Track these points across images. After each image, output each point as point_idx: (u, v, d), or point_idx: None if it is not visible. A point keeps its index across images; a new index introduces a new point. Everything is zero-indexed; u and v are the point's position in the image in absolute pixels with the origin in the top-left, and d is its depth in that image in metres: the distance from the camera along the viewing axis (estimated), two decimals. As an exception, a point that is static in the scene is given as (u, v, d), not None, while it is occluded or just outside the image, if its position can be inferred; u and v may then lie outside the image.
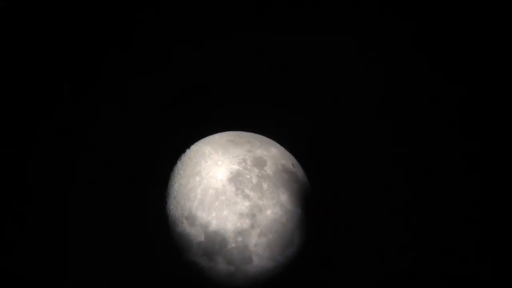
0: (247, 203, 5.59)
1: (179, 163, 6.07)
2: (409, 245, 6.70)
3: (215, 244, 5.55)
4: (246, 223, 5.54)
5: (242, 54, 6.97)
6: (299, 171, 6.23)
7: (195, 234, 5.60)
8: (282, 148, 6.38)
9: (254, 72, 7.03)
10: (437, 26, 6.72)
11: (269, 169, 5.89)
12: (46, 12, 6.57)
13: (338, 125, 7.01)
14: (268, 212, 5.63)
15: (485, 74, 6.70)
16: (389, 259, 6.74)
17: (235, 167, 5.79)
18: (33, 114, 6.63)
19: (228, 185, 5.64)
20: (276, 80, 7.03)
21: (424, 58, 6.86)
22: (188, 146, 6.22)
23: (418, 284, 6.59)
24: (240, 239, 5.54)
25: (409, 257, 6.73)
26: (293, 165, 6.20)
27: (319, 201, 6.30)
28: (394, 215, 6.78)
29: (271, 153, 6.12)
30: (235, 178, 5.69)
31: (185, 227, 5.66)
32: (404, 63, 6.89)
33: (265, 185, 5.73)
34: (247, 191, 5.64)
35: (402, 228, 6.76)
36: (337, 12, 6.80)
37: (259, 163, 5.90)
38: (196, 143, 6.24)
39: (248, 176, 5.73)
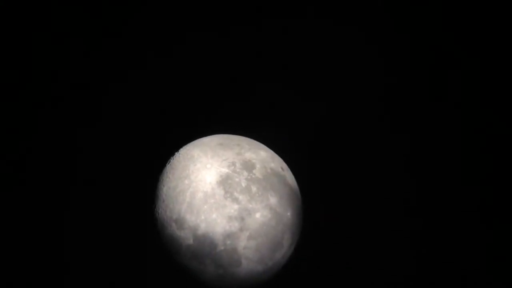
0: (236, 206, 5.58)
1: (168, 166, 6.05)
2: (403, 246, 6.74)
3: (204, 247, 5.53)
4: (235, 226, 5.53)
5: (231, 57, 6.98)
6: (288, 174, 6.24)
7: (184, 237, 5.58)
8: (271, 151, 6.38)
9: (244, 75, 7.05)
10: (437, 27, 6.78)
11: (258, 172, 5.89)
12: (44, 9, 6.53)
13: (327, 128, 7.04)
14: (257, 215, 5.62)
15: (485, 74, 6.77)
16: (379, 262, 6.77)
17: (224, 170, 5.78)
18: (28, 115, 6.58)
19: (217, 188, 5.63)
20: (265, 83, 7.05)
21: (425, 59, 6.91)
22: (177, 149, 6.20)
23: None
24: (229, 242, 5.52)
25: (402, 258, 6.77)
26: (282, 168, 6.20)
27: (308, 204, 6.32)
28: (384, 217, 6.81)
29: (260, 156, 6.12)
30: (224, 181, 5.68)
31: (174, 230, 5.63)
32: (400, 64, 6.94)
33: (254, 188, 5.72)
34: (236, 194, 5.63)
35: (393, 230, 6.79)
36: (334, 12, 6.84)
37: (248, 166, 5.90)
38: (185, 146, 6.23)
39: (237, 179, 5.72)
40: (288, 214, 5.86)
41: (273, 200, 5.77)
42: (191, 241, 5.56)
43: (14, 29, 6.52)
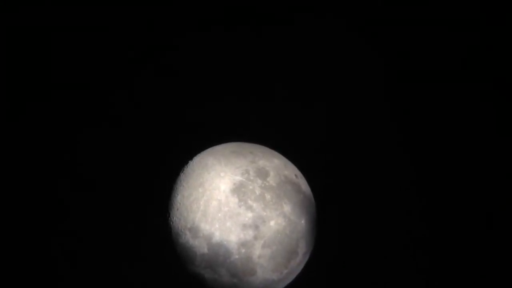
0: (250, 214, 5.56)
1: (182, 175, 6.06)
2: (416, 255, 6.67)
3: (218, 256, 5.52)
4: (249, 234, 5.51)
5: (245, 66, 6.99)
6: (302, 181, 6.21)
7: (198, 245, 5.57)
8: (284, 159, 6.36)
9: (257, 83, 7.05)
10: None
11: (272, 180, 5.87)
12: (52, 10, 6.58)
13: (341, 135, 7.00)
14: (272, 223, 5.60)
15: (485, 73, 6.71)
16: (396, 269, 6.69)
17: (238, 178, 5.76)
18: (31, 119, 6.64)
19: (231, 196, 5.62)
20: (279, 91, 7.04)
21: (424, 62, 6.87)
22: (191, 158, 6.21)
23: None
24: (243, 250, 5.50)
25: (415, 266, 6.69)
26: (296, 175, 6.18)
27: (322, 211, 6.28)
28: (399, 225, 6.74)
29: (274, 164, 6.10)
30: (238, 189, 5.67)
31: (188, 238, 5.63)
32: (408, 68, 6.89)
33: (268, 196, 5.70)
34: (250, 202, 5.61)
35: (408, 238, 6.72)
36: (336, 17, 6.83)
37: (262, 174, 5.88)
38: (199, 154, 6.23)
39: (251, 187, 5.70)
40: (303, 222, 5.83)
41: (287, 208, 5.74)
42: (205, 250, 5.55)
43: (15, 27, 6.57)
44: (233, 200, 5.60)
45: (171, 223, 5.80)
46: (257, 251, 5.53)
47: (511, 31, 6.62)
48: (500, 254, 6.52)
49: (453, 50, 6.86)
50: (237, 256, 5.51)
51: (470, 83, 6.84)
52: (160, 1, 6.83)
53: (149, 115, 6.96)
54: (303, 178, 6.30)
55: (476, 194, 6.74)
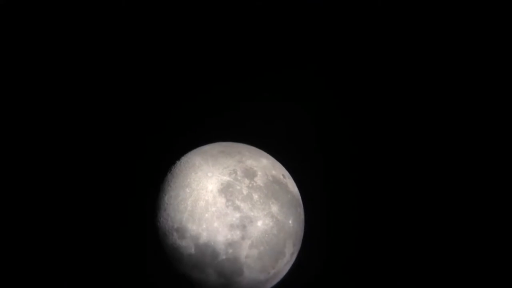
0: (237, 215, 5.55)
1: (169, 175, 6.03)
2: (405, 254, 6.71)
3: (205, 256, 5.51)
4: (237, 234, 5.50)
5: (231, 66, 6.98)
6: (289, 181, 6.21)
7: (186, 246, 5.56)
8: (272, 159, 6.36)
9: (245, 82, 7.04)
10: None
11: (259, 180, 5.87)
12: (50, 10, 6.51)
13: (329, 135, 7.03)
14: (259, 223, 5.60)
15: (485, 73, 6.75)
16: (381, 268, 6.74)
17: (226, 178, 5.76)
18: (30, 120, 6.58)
19: (219, 197, 5.61)
20: (267, 91, 7.05)
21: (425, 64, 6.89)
22: (178, 158, 6.19)
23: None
24: (231, 251, 5.50)
25: (402, 264, 6.73)
26: (283, 175, 6.18)
27: (309, 211, 6.29)
28: (386, 224, 6.79)
29: (261, 164, 6.10)
30: (226, 189, 5.66)
31: (176, 239, 5.61)
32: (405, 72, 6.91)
33: (255, 196, 5.70)
34: (237, 202, 5.61)
35: (397, 235, 6.76)
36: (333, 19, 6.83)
37: (250, 174, 5.88)
38: (186, 154, 6.21)
39: (238, 187, 5.70)
40: (290, 222, 5.83)
41: (274, 208, 5.75)
42: (192, 250, 5.54)
43: (15, 27, 6.51)
44: (220, 200, 5.59)
45: (158, 223, 5.77)
46: (245, 251, 5.53)
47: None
48: (497, 255, 6.56)
49: (438, 51, 6.91)
50: (224, 257, 5.50)
51: (456, 84, 6.89)
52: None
53: (136, 115, 6.93)
54: (291, 178, 6.31)
55: (461, 193, 6.80)
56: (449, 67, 6.88)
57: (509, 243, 6.57)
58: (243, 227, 5.52)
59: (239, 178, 5.78)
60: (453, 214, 6.78)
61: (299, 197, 6.26)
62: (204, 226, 5.51)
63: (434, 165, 6.91)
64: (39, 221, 6.55)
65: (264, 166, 6.09)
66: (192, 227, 5.53)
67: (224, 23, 6.89)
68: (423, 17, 6.83)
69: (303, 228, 6.14)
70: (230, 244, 5.49)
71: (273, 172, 6.08)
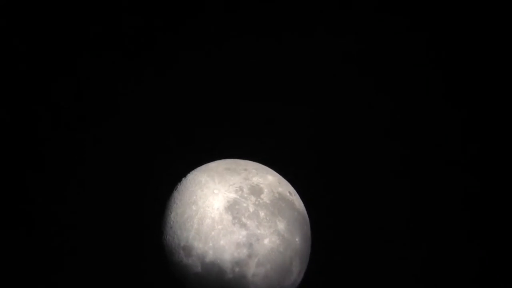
0: (244, 232, 5.52)
1: (175, 192, 6.02)
2: (412, 275, 6.64)
3: (211, 275, 5.47)
4: (243, 252, 5.47)
5: (236, 83, 7.01)
6: (296, 198, 6.19)
7: (192, 264, 5.53)
8: (278, 175, 6.35)
9: (250, 100, 7.07)
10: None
11: (266, 197, 5.85)
12: (49, 11, 6.55)
13: (335, 152, 7.02)
14: (266, 241, 5.56)
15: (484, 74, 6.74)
16: (391, 285, 6.67)
17: (232, 195, 5.74)
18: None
19: (225, 214, 5.59)
20: (272, 108, 7.06)
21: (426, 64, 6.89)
22: (184, 175, 6.18)
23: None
24: (237, 269, 5.46)
25: (412, 281, 6.67)
26: (289, 192, 6.16)
27: (316, 229, 6.26)
28: (396, 241, 6.74)
29: (267, 181, 6.09)
30: (232, 207, 5.64)
31: (182, 257, 5.58)
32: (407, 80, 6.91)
33: (262, 214, 5.68)
34: (244, 219, 5.58)
35: (403, 254, 6.71)
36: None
37: (256, 191, 5.86)
38: (192, 171, 6.21)
39: (245, 205, 5.68)
40: (297, 239, 5.80)
41: (281, 225, 5.72)
42: (199, 269, 5.50)
43: (16, 27, 6.54)
44: (226, 217, 5.57)
45: (165, 241, 5.75)
46: (251, 270, 5.48)
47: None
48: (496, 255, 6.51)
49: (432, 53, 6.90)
50: (231, 275, 5.46)
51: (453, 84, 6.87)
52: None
53: (142, 132, 6.95)
54: (297, 195, 6.28)
55: (460, 192, 6.75)
56: (452, 67, 6.88)
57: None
58: (249, 245, 5.49)
59: (246, 195, 5.77)
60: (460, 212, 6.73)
61: (306, 215, 6.23)
62: (210, 244, 5.48)
63: (438, 164, 6.87)
64: (41, 234, 6.54)
65: (270, 183, 6.07)
66: (199, 245, 5.50)
67: (225, 39, 6.93)
68: (423, 17, 6.85)
69: (310, 246, 6.10)
70: (237, 262, 5.46)
71: (280, 189, 6.07)
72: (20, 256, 6.45)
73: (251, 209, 5.67)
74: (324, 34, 6.93)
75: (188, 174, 6.18)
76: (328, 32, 6.95)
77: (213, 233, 5.51)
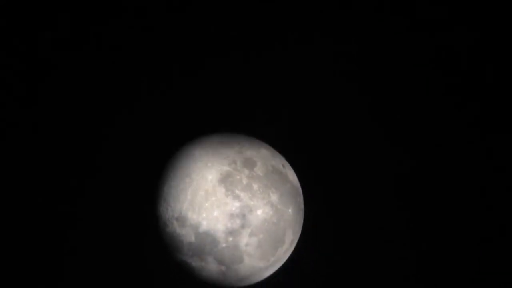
0: (237, 204, 5.58)
1: (169, 165, 6.06)
2: (406, 244, 6.71)
3: (205, 245, 5.54)
4: (236, 223, 5.53)
5: (231, 56, 6.99)
6: (289, 171, 6.24)
7: (186, 234, 5.59)
8: (271, 149, 6.38)
9: (244, 74, 7.05)
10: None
11: (259, 170, 5.89)
12: (49, 11, 6.54)
13: (329, 125, 7.03)
14: (259, 212, 5.63)
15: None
16: (380, 258, 6.75)
17: (225, 168, 5.78)
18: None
19: (218, 186, 5.63)
20: (265, 82, 7.06)
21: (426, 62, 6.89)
22: (178, 148, 6.21)
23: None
24: (231, 239, 5.53)
25: (406, 257, 6.74)
26: (283, 165, 6.21)
27: (309, 201, 6.32)
28: (385, 213, 6.80)
29: (261, 154, 6.13)
30: (225, 179, 5.68)
31: (176, 228, 5.64)
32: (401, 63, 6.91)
33: (255, 186, 5.72)
34: (237, 192, 5.63)
35: (395, 226, 6.77)
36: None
37: (249, 164, 5.90)
38: (186, 144, 6.23)
39: (238, 177, 5.72)
40: (290, 211, 5.87)
41: (274, 197, 5.77)
42: (192, 239, 5.57)
43: (16, 27, 6.54)
44: (220, 190, 5.61)
45: (159, 212, 5.81)
46: (244, 240, 5.55)
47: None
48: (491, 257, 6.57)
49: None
50: (224, 245, 5.53)
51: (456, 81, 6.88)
52: None
53: (135, 106, 6.94)
54: (290, 168, 6.33)
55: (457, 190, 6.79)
56: (452, 66, 6.89)
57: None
58: (243, 216, 5.55)
59: (239, 168, 5.81)
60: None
61: (299, 187, 6.29)
62: (204, 215, 5.54)
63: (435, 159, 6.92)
64: (35, 210, 6.58)
65: (263, 156, 6.11)
66: (192, 216, 5.56)
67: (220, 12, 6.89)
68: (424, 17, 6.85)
69: (302, 217, 6.17)
70: (230, 232, 5.52)
71: (273, 162, 6.11)
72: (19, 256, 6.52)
73: (245, 182, 5.72)
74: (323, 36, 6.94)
75: (182, 147, 6.21)
76: (327, 35, 6.95)
77: (206, 204, 5.57)
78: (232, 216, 5.55)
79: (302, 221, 6.16)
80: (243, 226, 5.55)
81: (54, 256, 6.47)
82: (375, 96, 7.05)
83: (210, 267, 5.64)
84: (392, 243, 6.85)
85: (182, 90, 7.01)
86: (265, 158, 6.09)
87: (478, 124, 6.77)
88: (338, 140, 7.01)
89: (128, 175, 6.62)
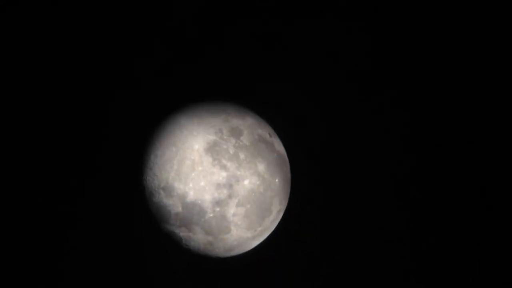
0: (224, 174, 5.56)
1: (154, 134, 5.96)
2: (389, 218, 6.81)
3: (193, 215, 5.54)
4: (223, 193, 5.53)
5: (220, 25, 6.82)
6: (275, 140, 6.21)
7: (173, 204, 5.57)
8: (258, 117, 6.32)
9: (229, 38, 6.90)
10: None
11: (245, 139, 5.85)
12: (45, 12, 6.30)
13: (315, 94, 6.98)
14: (246, 182, 5.62)
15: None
16: (365, 227, 6.86)
17: (212, 137, 5.71)
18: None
19: (205, 156, 5.58)
20: (252, 49, 6.92)
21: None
22: (163, 117, 6.10)
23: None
24: (218, 209, 5.54)
25: (388, 228, 6.85)
26: (269, 134, 6.17)
27: (295, 170, 6.33)
28: (372, 183, 6.86)
29: (247, 123, 6.07)
30: (212, 149, 5.63)
31: (162, 197, 5.61)
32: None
33: (242, 155, 5.70)
34: (224, 161, 5.60)
35: (380, 199, 6.85)
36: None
37: (236, 133, 5.85)
38: (171, 113, 6.12)
39: (224, 146, 5.67)
40: (276, 180, 5.87)
41: (261, 166, 5.76)
42: (180, 209, 5.55)
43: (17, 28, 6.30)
44: (207, 159, 5.57)
45: (145, 182, 5.75)
46: (231, 210, 5.57)
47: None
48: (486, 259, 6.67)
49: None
50: (211, 215, 5.54)
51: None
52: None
53: (122, 76, 6.77)
54: (277, 136, 6.29)
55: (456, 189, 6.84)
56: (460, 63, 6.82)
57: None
58: (230, 186, 5.54)
59: (225, 137, 5.75)
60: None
61: (285, 156, 6.28)
62: (191, 185, 5.51)
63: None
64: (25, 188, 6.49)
65: (250, 124, 6.05)
66: (179, 186, 5.53)
67: None
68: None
69: (289, 187, 6.19)
70: (217, 202, 5.52)
71: (259, 131, 6.06)
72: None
73: (231, 151, 5.68)
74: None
75: (167, 116, 6.10)
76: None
77: (193, 174, 5.53)
78: (219, 186, 5.53)
79: (289, 190, 6.18)
80: (230, 196, 5.55)
81: (53, 256, 6.44)
82: (363, 68, 6.98)
83: (198, 237, 5.66)
84: (377, 213, 6.94)
85: (168, 57, 6.84)
86: (252, 127, 6.04)
87: (478, 123, 6.77)
88: (326, 107, 6.97)
89: (112, 144, 6.52)
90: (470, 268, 6.65)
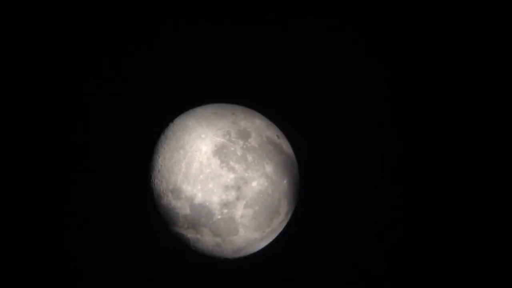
0: (232, 176, 5.56)
1: (162, 137, 6.01)
2: (400, 219, 6.76)
3: (201, 217, 5.55)
4: (231, 195, 5.53)
5: (225, 25, 6.85)
6: (284, 142, 6.20)
7: (181, 207, 5.59)
8: (266, 119, 6.33)
9: (238, 43, 6.93)
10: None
11: (253, 141, 5.85)
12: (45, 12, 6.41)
13: (324, 95, 6.97)
14: (254, 183, 5.62)
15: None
16: (375, 230, 6.82)
17: (220, 139, 5.73)
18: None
19: (213, 158, 5.60)
20: (260, 51, 6.94)
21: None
22: (171, 120, 6.14)
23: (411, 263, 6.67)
24: (226, 211, 5.54)
25: (400, 231, 6.80)
26: (278, 136, 6.17)
27: (304, 172, 6.32)
28: (382, 184, 6.81)
29: (255, 125, 6.07)
30: (220, 151, 5.64)
31: (170, 200, 5.64)
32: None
33: (250, 157, 5.70)
34: (232, 163, 5.61)
35: (392, 198, 6.80)
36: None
37: (244, 135, 5.86)
38: (179, 116, 6.16)
39: (232, 149, 5.68)
40: (285, 182, 5.86)
41: (269, 168, 5.76)
42: (188, 211, 5.57)
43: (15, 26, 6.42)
44: (214, 161, 5.59)
45: (153, 185, 5.79)
46: (239, 211, 5.56)
47: None
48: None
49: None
50: (219, 217, 5.54)
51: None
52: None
53: (129, 78, 6.84)
54: (285, 138, 6.29)
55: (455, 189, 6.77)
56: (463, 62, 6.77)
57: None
58: (237, 187, 5.54)
59: (233, 139, 5.77)
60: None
61: (294, 158, 6.27)
62: (199, 187, 5.53)
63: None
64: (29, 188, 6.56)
65: (258, 127, 6.06)
66: (187, 188, 5.55)
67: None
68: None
69: (298, 188, 6.17)
70: (225, 204, 5.52)
71: (267, 132, 6.07)
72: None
73: (239, 153, 5.68)
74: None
75: (175, 119, 6.14)
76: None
77: (201, 176, 5.55)
78: (227, 188, 5.54)
79: (297, 192, 6.16)
80: (238, 198, 5.55)
81: (63, 258, 6.51)
82: (373, 71, 6.95)
83: (206, 239, 5.67)
84: (388, 213, 6.89)
85: (176, 61, 6.89)
86: (260, 129, 6.04)
87: (478, 123, 6.70)
88: (334, 110, 6.95)
89: (122, 147, 6.58)
90: (471, 268, 6.56)
